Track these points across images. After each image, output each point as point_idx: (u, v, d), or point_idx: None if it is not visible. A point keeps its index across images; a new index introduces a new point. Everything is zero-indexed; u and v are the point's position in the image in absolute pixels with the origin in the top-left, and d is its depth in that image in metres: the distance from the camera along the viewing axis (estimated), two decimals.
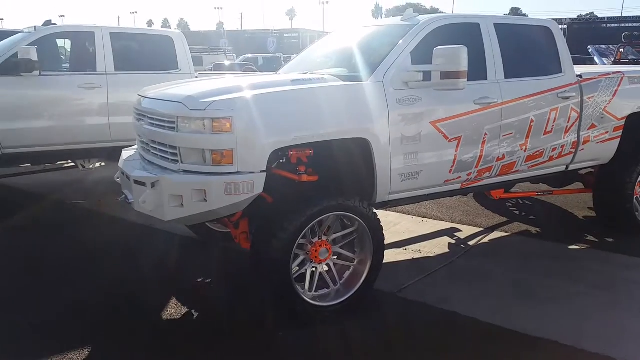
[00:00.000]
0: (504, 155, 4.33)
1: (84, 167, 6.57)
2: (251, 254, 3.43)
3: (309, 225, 3.29)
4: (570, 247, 4.99)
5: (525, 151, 4.46)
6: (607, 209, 5.30)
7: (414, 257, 4.70)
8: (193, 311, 3.68)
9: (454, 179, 4.11)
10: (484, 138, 4.15)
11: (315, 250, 3.46)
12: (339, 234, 3.59)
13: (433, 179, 3.99)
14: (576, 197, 6.47)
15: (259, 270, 3.37)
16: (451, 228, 5.53)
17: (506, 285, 4.09)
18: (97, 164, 6.80)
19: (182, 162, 3.27)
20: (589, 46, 15.03)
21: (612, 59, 13.45)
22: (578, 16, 36.60)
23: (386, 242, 3.73)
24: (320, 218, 3.33)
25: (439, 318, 3.60)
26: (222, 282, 4.23)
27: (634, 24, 18.38)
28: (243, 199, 3.15)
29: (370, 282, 3.64)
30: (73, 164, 6.66)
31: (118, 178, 3.97)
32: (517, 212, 6.13)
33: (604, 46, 15.02)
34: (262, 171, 3.20)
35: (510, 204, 6.39)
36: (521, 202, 6.50)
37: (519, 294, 3.93)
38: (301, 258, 3.47)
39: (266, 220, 3.36)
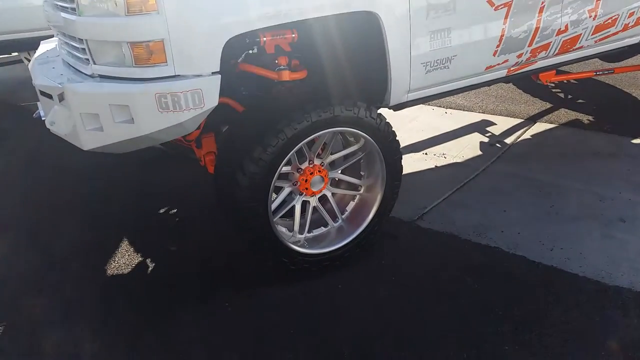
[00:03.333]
0: (566, 26, 3.11)
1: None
2: (214, 188, 2.44)
3: (293, 150, 2.25)
4: (634, 140, 3.92)
5: (594, 19, 3.23)
6: None
7: (437, 165, 3.70)
8: (148, 261, 2.79)
9: (498, 64, 2.94)
10: (542, 3, 2.91)
11: (306, 180, 2.45)
12: (338, 155, 2.56)
13: (471, 67, 2.83)
14: (629, 74, 5.22)
15: (226, 212, 2.41)
16: (482, 121, 4.44)
17: (560, 202, 3.10)
18: None
19: (94, 63, 2.16)
20: None
21: None
22: None
23: (401, 144, 2.68)
24: (309, 138, 2.28)
25: (477, 258, 2.68)
26: (194, 216, 3.26)
27: None
28: (188, 117, 2.06)
29: (385, 215, 2.69)
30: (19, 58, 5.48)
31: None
32: (562, 95, 4.96)
33: None
34: (214, 72, 2.09)
35: (552, 84, 5.20)
36: (565, 82, 5.29)
37: (584, 217, 2.96)
38: (287, 190, 2.48)
39: (229, 144, 2.32)
